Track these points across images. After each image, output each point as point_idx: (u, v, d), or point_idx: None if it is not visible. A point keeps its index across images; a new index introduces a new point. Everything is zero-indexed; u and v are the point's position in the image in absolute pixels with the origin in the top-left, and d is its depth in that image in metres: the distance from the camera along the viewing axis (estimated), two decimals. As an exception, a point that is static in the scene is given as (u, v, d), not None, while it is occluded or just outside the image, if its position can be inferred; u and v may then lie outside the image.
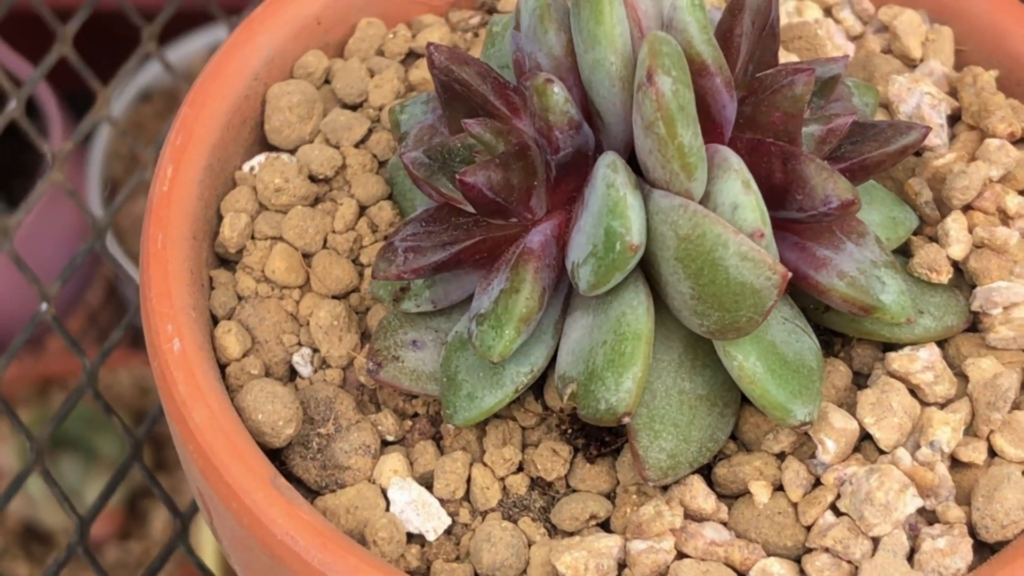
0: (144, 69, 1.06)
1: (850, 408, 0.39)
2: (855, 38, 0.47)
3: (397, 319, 0.41)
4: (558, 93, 0.36)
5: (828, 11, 0.47)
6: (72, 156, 1.01)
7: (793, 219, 0.37)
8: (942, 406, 0.40)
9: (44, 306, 0.60)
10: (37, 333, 1.07)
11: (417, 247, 0.39)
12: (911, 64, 0.46)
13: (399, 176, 0.44)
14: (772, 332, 0.38)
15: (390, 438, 0.40)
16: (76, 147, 0.65)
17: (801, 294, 0.39)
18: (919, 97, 0.43)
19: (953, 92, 0.45)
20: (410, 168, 0.39)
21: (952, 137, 0.44)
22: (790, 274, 0.36)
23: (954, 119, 0.45)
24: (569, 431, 0.40)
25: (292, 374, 0.42)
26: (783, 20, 0.47)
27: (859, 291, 0.38)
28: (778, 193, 0.37)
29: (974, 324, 0.41)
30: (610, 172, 0.36)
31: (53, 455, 1.06)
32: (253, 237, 0.43)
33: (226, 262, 0.44)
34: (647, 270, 0.38)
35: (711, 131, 0.37)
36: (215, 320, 0.42)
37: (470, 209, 0.38)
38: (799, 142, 0.38)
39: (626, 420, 0.37)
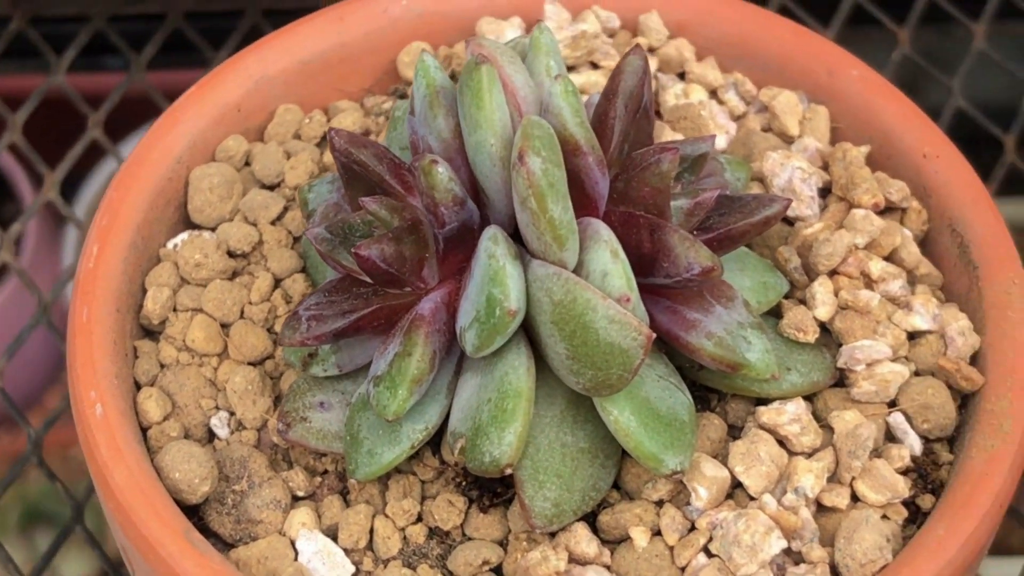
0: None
1: (723, 458, 0.43)
2: (738, 118, 0.51)
3: (306, 383, 0.44)
4: (442, 173, 0.40)
5: (714, 92, 0.51)
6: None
7: (663, 284, 0.41)
8: (808, 455, 0.43)
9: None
10: (7, 413, 1.10)
11: (320, 315, 0.42)
12: (789, 141, 0.49)
13: (311, 251, 0.47)
14: (646, 389, 0.41)
15: (300, 493, 0.44)
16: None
17: (677, 354, 0.43)
18: (791, 171, 0.47)
19: (826, 166, 0.48)
20: (314, 243, 0.42)
21: (824, 208, 0.48)
22: (654, 335, 0.39)
23: (826, 191, 0.48)
24: (464, 483, 0.43)
25: (210, 436, 0.45)
26: (671, 102, 0.50)
27: (726, 350, 0.41)
28: (647, 261, 0.41)
29: (841, 380, 0.45)
30: (491, 244, 0.40)
31: (27, 530, 1.09)
32: (175, 309, 0.46)
33: (150, 333, 0.47)
34: (529, 333, 0.41)
35: (586, 205, 0.41)
36: (139, 387, 0.45)
37: (370, 280, 0.42)
38: (668, 215, 0.41)
39: (508, 471, 0.40)
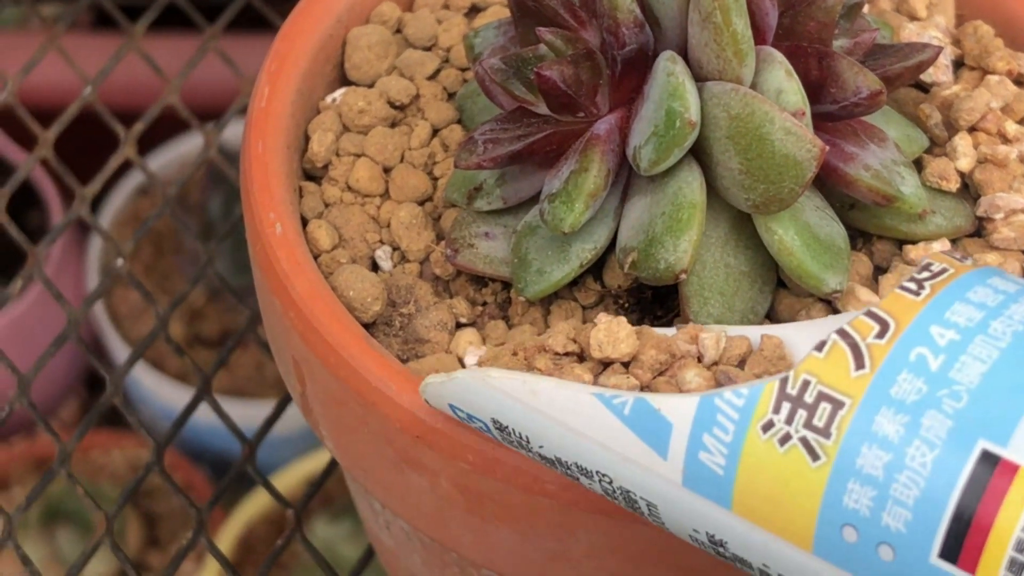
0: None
1: (872, 292, 0.45)
2: (868, 2, 0.53)
3: (470, 216, 0.46)
4: (625, -7, 0.42)
5: (843, -22, 0.53)
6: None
7: (827, 113, 0.43)
8: (954, 291, 0.45)
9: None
10: (30, 418, 1.11)
11: (496, 139, 0.44)
12: (917, 21, 0.52)
13: (467, 103, 0.49)
14: (807, 214, 0.43)
15: (464, 320, 0.45)
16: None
17: (829, 193, 0.45)
18: (928, 40, 0.49)
19: (956, 44, 0.51)
20: (488, 73, 0.44)
21: (956, 80, 0.50)
22: (827, 147, 0.41)
23: (957, 66, 0.50)
24: (626, 305, 0.45)
25: (374, 268, 0.47)
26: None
27: (882, 182, 0.43)
28: (814, 88, 0.43)
29: (979, 231, 0.47)
30: (670, 64, 0.42)
31: (50, 528, 1.10)
32: (338, 154, 0.48)
33: (312, 178, 0.49)
34: (698, 155, 0.43)
35: (756, 36, 0.43)
36: (305, 222, 0.47)
37: (540, 111, 0.44)
38: (831, 48, 0.43)
39: (683, 277, 0.42)
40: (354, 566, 0.61)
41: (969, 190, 0.47)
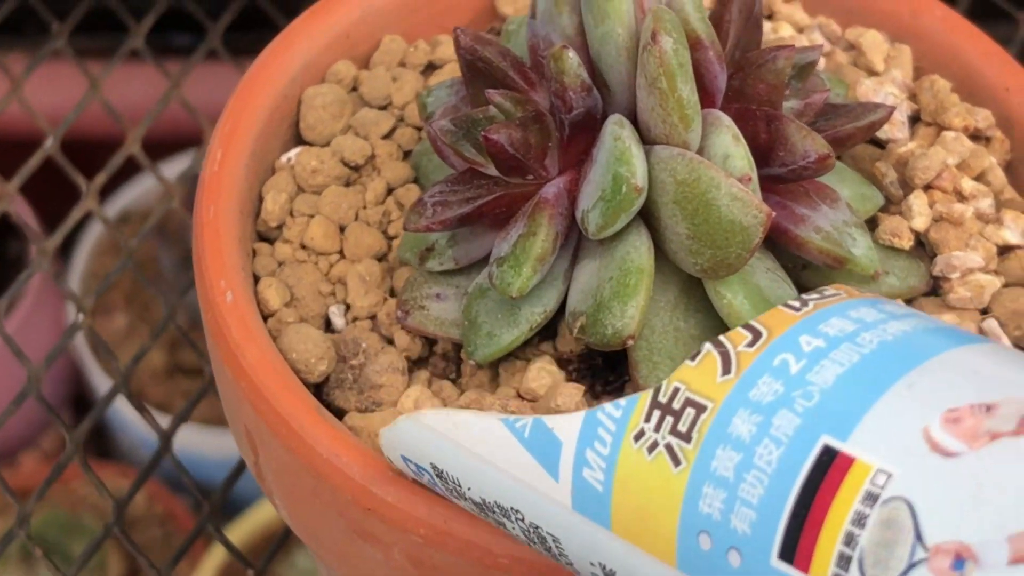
0: (123, 193, 1.12)
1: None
2: (825, 55, 0.53)
3: (422, 276, 0.46)
4: (572, 58, 0.42)
5: (800, 31, 0.53)
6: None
7: (776, 176, 0.43)
8: (907, 352, 0.45)
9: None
10: (12, 448, 1.12)
11: (444, 202, 0.44)
12: (875, 75, 0.51)
13: (423, 160, 0.49)
14: (757, 277, 0.43)
15: (415, 357, 0.45)
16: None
17: (780, 253, 0.45)
18: (884, 96, 0.49)
19: (912, 98, 0.51)
20: (438, 135, 0.44)
21: (912, 136, 0.50)
22: (773, 213, 0.41)
23: (913, 121, 0.50)
24: (578, 370, 0.45)
25: (327, 326, 0.46)
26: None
27: (833, 244, 0.43)
28: (763, 152, 0.43)
29: (934, 290, 0.47)
30: (617, 128, 0.42)
31: (29, 561, 1.10)
32: (291, 214, 0.48)
33: (267, 240, 0.49)
34: (647, 219, 0.43)
35: (704, 99, 0.43)
36: (258, 281, 0.47)
37: (491, 172, 0.44)
38: (781, 111, 0.43)
39: (630, 343, 0.41)
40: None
41: (925, 248, 0.47)
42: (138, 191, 1.14)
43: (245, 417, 0.44)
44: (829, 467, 0.32)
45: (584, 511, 0.35)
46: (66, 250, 1.13)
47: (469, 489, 0.38)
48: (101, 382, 1.10)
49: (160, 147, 0.72)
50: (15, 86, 0.71)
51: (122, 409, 1.09)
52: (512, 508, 0.37)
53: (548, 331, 0.45)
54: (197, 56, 0.74)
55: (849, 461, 0.32)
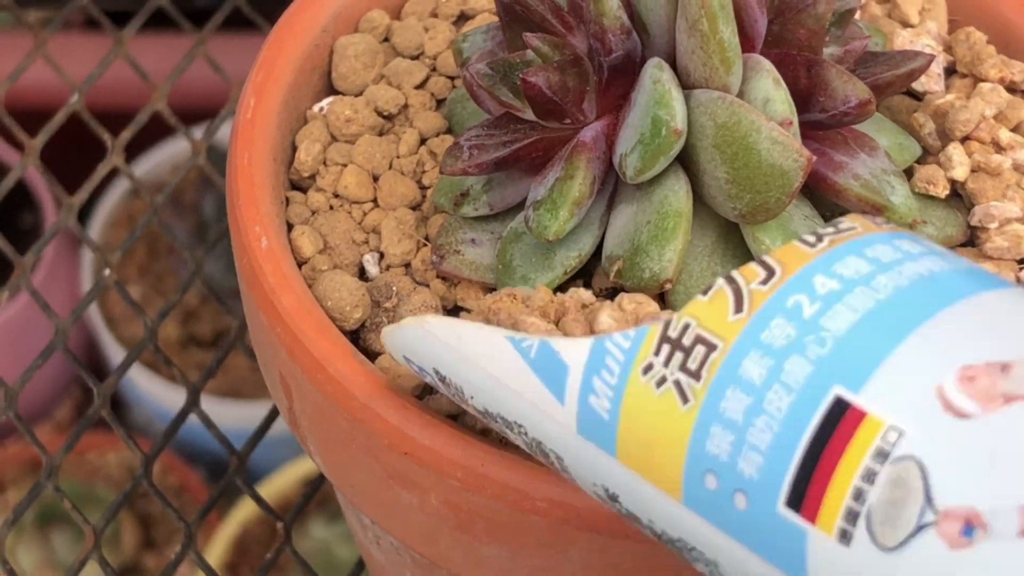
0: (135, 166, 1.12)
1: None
2: (860, 7, 0.52)
3: (457, 222, 0.46)
4: (611, 0, 0.41)
5: (836, -16, 0.53)
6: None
7: (816, 122, 0.43)
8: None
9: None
10: (26, 419, 1.11)
11: (481, 145, 0.44)
12: (910, 27, 0.51)
13: (456, 108, 0.49)
14: (795, 224, 0.43)
15: (449, 307, 0.45)
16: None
17: (818, 201, 0.44)
18: (920, 47, 0.49)
19: (948, 51, 0.50)
20: (475, 79, 0.44)
21: (947, 88, 0.49)
22: (814, 157, 0.41)
23: (949, 73, 0.50)
24: (613, 315, 0.44)
25: (361, 274, 0.46)
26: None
27: (871, 191, 0.43)
28: (803, 97, 0.42)
29: (971, 240, 0.46)
30: (657, 71, 0.42)
31: (44, 531, 1.10)
32: (325, 163, 0.48)
33: (299, 188, 0.48)
34: (685, 164, 0.43)
35: (744, 44, 0.42)
36: (291, 228, 0.47)
37: (527, 117, 0.43)
38: (821, 56, 0.43)
39: (668, 287, 0.41)
40: (351, 570, 0.61)
41: (962, 199, 0.47)
42: (151, 163, 1.14)
43: (280, 363, 0.44)
44: (840, 420, 0.32)
45: (589, 436, 0.35)
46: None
47: (472, 398, 0.38)
48: (115, 352, 1.09)
49: (182, 116, 0.71)
50: (38, 44, 0.71)
51: (137, 381, 1.09)
52: (516, 422, 0.37)
53: (585, 274, 0.45)
54: (218, 16, 0.74)
55: (861, 415, 0.32)
